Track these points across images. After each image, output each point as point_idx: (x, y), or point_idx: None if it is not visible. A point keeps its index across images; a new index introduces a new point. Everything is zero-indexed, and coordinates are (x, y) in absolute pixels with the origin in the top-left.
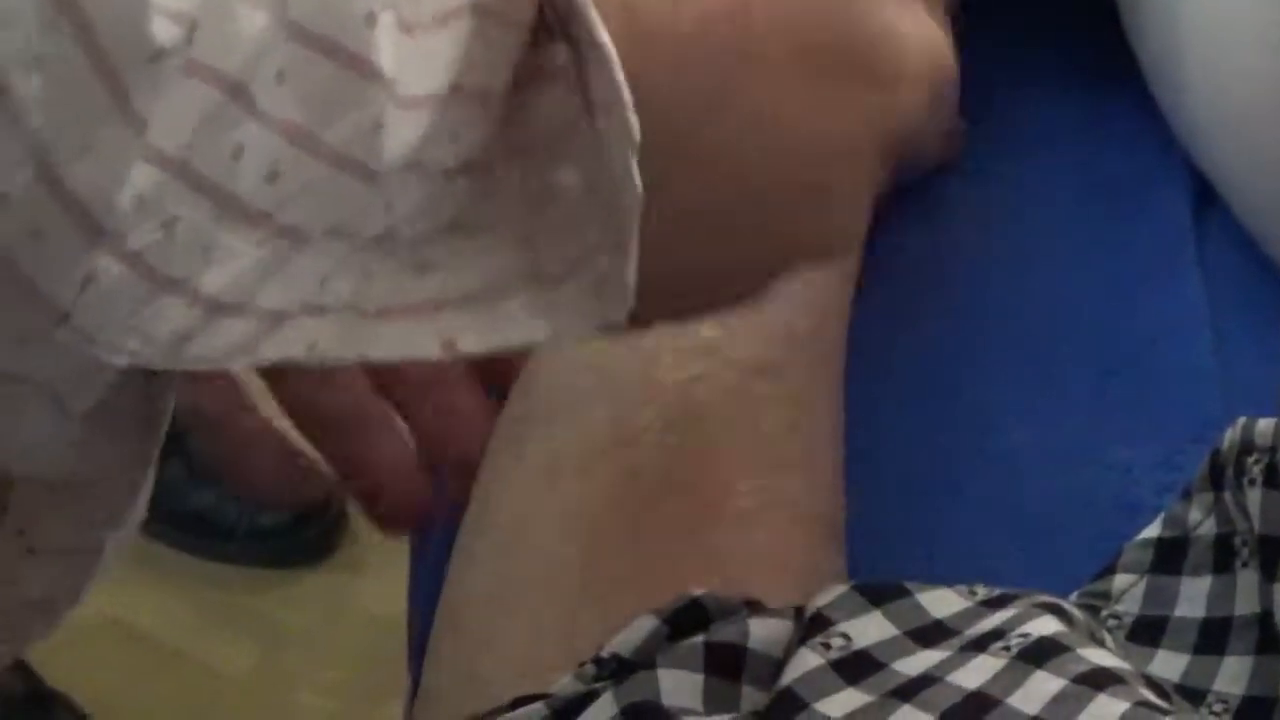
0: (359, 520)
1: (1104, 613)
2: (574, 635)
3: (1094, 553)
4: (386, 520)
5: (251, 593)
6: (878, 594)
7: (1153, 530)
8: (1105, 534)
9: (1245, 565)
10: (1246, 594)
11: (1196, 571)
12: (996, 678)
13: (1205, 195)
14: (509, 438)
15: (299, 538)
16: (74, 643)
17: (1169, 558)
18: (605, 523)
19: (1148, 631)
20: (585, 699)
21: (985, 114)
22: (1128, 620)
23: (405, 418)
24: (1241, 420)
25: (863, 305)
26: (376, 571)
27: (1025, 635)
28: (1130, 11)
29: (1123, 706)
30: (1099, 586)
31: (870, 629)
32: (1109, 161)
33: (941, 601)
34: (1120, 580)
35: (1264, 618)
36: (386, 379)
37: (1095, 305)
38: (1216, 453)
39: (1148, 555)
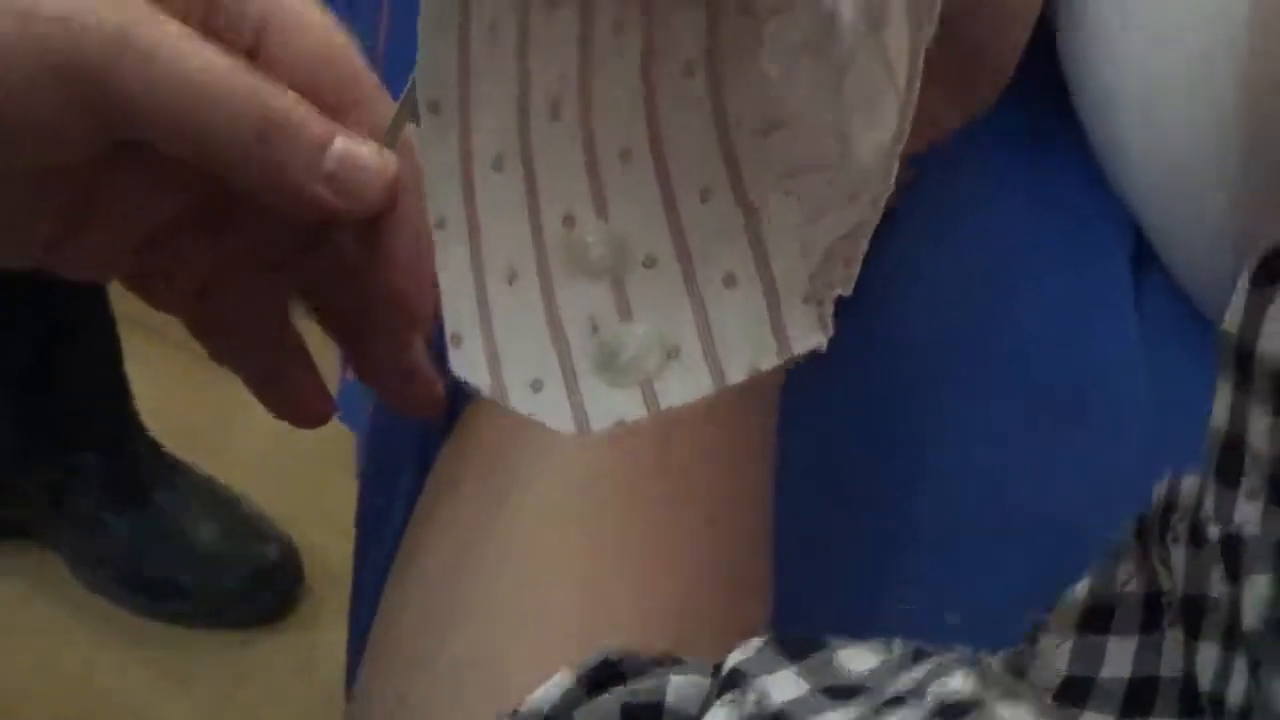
0: (317, 579)
1: (1029, 674)
2: (501, 663)
3: (1026, 580)
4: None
5: (209, 654)
6: (795, 649)
7: (1080, 589)
8: (1038, 565)
9: (1173, 625)
10: (1173, 654)
11: (1123, 631)
12: None
13: (1146, 246)
14: (447, 475)
15: (256, 599)
16: (30, 705)
17: (1096, 617)
18: (538, 557)
19: (1074, 692)
20: None
21: (921, 164)
22: (1054, 681)
23: None
24: (1166, 478)
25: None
26: (335, 631)
27: (941, 692)
28: (1071, 65)
29: None
30: (1025, 647)
31: (786, 686)
32: (1050, 213)
33: (858, 658)
34: (1046, 641)
35: (1189, 679)
36: None
37: (1032, 350)
38: (1143, 515)
39: (1074, 614)
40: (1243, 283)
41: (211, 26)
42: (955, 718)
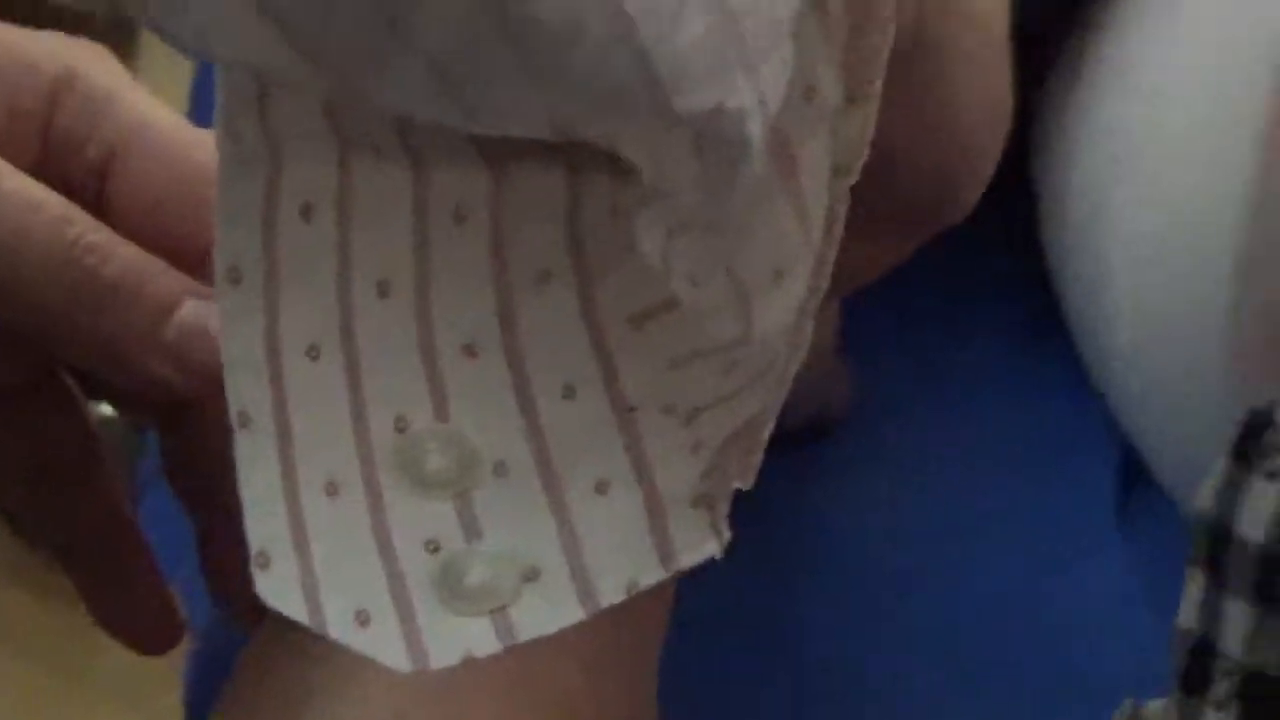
0: None
1: None
2: None
3: None
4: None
5: None
6: None
7: None
8: None
9: None
10: None
11: None
12: None
13: (1133, 467)
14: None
15: None
16: None
17: None
18: None
19: None
20: None
21: (895, 367)
22: None
23: None
24: (1129, 701)
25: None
26: None
27: None
28: (1062, 278)
29: None
30: None
31: None
32: (1032, 429)
33: None
34: None
35: None
36: None
37: (1008, 573)
38: None
39: None
40: (1222, 458)
41: (53, 151)
42: None
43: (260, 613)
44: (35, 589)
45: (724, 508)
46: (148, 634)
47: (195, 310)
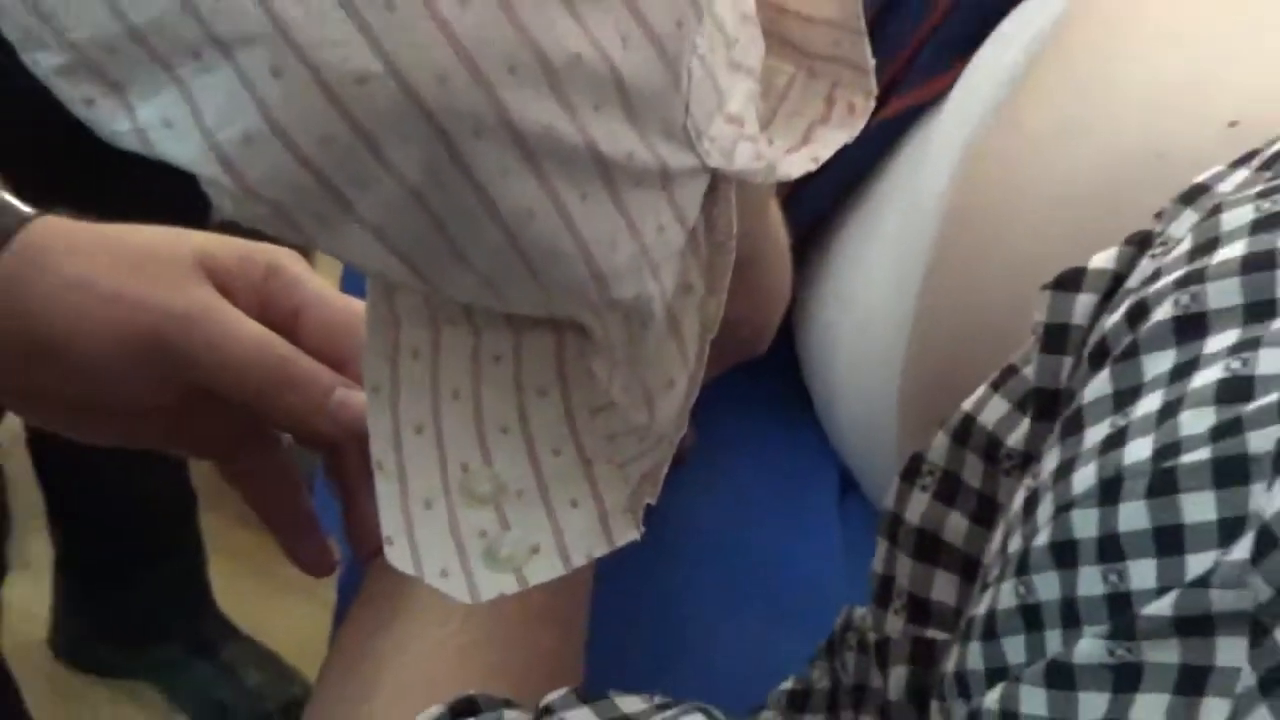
0: None
1: None
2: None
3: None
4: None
5: None
6: (588, 696)
7: (788, 684)
8: (746, 689)
9: (845, 708)
10: None
11: (814, 712)
12: None
13: (847, 483)
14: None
15: None
16: None
17: (796, 703)
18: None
19: None
20: None
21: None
22: None
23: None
24: (846, 607)
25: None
26: None
27: None
28: (811, 385)
29: None
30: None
31: (580, 717)
32: (786, 463)
33: (630, 703)
34: (765, 715)
35: None
36: None
37: (773, 544)
38: (831, 633)
39: (783, 700)
40: (895, 478)
41: (266, 307)
42: None
43: (376, 554)
44: (240, 522)
45: (641, 513)
46: (315, 564)
47: (343, 394)
